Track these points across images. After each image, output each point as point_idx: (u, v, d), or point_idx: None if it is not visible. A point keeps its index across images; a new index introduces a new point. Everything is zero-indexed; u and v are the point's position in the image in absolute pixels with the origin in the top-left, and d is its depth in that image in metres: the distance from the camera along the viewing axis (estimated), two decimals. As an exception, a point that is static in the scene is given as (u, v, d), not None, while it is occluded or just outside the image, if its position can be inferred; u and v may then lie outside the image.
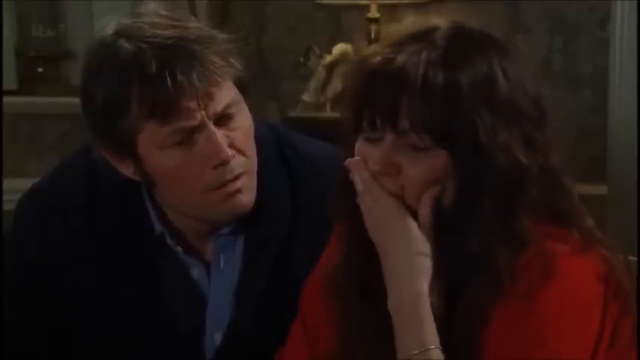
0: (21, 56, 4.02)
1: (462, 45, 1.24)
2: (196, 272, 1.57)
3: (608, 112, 3.39)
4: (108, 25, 1.47)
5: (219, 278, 1.57)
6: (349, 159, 1.29)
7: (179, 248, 1.57)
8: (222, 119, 1.46)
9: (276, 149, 1.60)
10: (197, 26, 1.47)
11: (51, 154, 3.80)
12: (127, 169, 1.51)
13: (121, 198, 1.56)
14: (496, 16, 3.90)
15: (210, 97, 1.43)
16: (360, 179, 1.27)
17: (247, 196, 1.50)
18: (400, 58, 1.23)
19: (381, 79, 1.23)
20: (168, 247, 1.56)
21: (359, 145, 1.28)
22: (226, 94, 1.46)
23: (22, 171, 3.72)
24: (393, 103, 1.22)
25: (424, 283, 1.24)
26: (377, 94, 1.24)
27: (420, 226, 1.26)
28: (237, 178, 1.47)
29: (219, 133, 1.45)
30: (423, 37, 1.25)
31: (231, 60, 1.46)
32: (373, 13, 3.92)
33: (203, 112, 1.43)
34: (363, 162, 1.28)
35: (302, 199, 1.57)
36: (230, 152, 1.46)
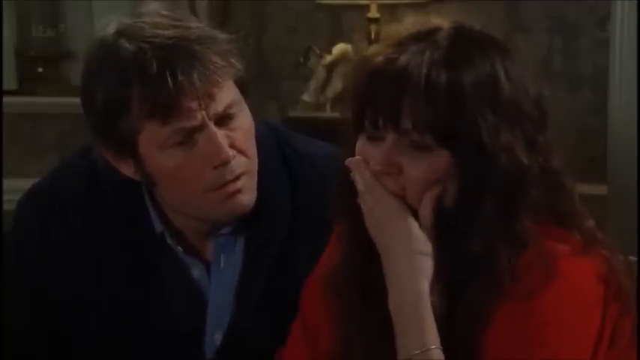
0: (21, 56, 4.02)
1: (465, 45, 1.24)
2: (196, 272, 1.57)
3: (608, 112, 3.39)
4: (109, 25, 1.47)
5: (220, 278, 1.57)
6: (350, 158, 1.29)
7: (179, 248, 1.57)
8: (223, 119, 1.46)
9: (276, 149, 1.60)
10: (198, 26, 1.47)
11: (51, 154, 3.80)
12: (127, 169, 1.51)
13: (121, 198, 1.56)
14: (496, 16, 3.90)
15: (211, 97, 1.43)
16: (361, 179, 1.27)
17: (248, 196, 1.50)
18: (403, 58, 1.23)
19: (384, 78, 1.23)
20: (168, 247, 1.56)
21: (360, 144, 1.28)
22: (227, 95, 1.46)
23: (22, 171, 3.72)
24: (395, 102, 1.22)
25: (425, 283, 1.24)
26: (379, 94, 1.24)
27: (421, 226, 1.26)
28: (237, 178, 1.47)
29: (220, 134, 1.45)
30: (425, 37, 1.25)
31: (232, 60, 1.46)
32: (373, 13, 3.92)
33: (204, 113, 1.43)
34: (364, 162, 1.28)
35: (302, 199, 1.57)
36: (231, 152, 1.46)
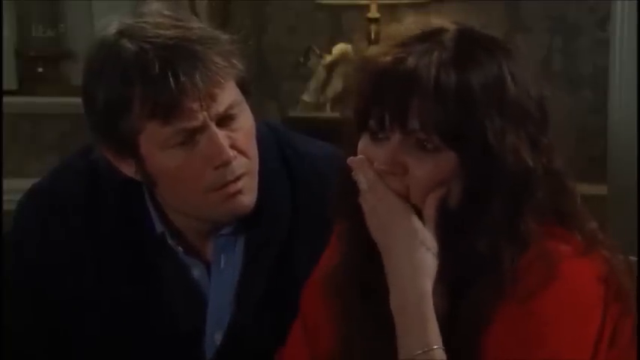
0: (21, 56, 4.02)
1: (471, 47, 1.24)
2: (197, 272, 1.57)
3: (608, 112, 3.39)
4: (110, 25, 1.47)
5: (220, 278, 1.57)
6: (352, 157, 1.29)
7: (179, 248, 1.57)
8: (224, 120, 1.46)
9: (276, 149, 1.60)
10: (200, 27, 1.47)
11: (51, 154, 3.80)
12: (128, 169, 1.51)
13: (122, 198, 1.56)
14: (496, 16, 3.90)
15: (212, 97, 1.43)
16: (364, 178, 1.27)
17: (248, 196, 1.50)
18: (412, 59, 1.22)
19: (392, 78, 1.23)
20: (168, 247, 1.56)
21: (362, 144, 1.28)
22: (228, 95, 1.46)
23: (22, 171, 3.72)
24: (403, 102, 1.22)
25: (428, 283, 1.24)
26: (387, 94, 1.24)
27: (424, 226, 1.26)
28: (238, 178, 1.47)
29: (221, 134, 1.45)
30: (430, 38, 1.25)
31: (234, 61, 1.46)
32: (373, 13, 3.92)
33: (205, 113, 1.43)
34: (367, 161, 1.27)
35: (302, 199, 1.57)
36: (232, 153, 1.46)
